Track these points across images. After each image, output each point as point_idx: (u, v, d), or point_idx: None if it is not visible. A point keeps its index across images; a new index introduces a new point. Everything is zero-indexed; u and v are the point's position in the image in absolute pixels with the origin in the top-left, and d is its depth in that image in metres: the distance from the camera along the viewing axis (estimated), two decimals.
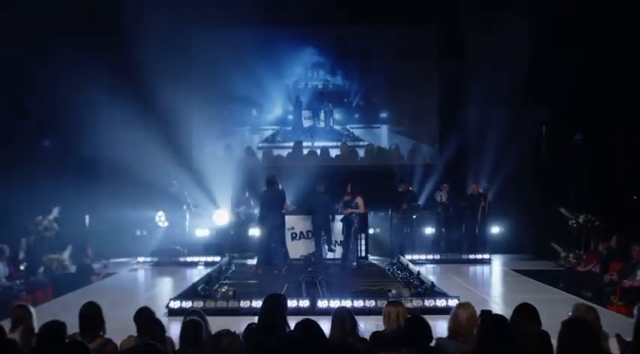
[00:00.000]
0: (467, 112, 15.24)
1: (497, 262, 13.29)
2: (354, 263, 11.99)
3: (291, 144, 16.34)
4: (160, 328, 4.74)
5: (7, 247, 10.08)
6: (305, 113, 16.46)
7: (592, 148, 13.65)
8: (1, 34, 11.57)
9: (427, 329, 4.34)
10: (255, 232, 13.20)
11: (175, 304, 8.20)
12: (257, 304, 7.52)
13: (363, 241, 13.19)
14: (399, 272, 11.17)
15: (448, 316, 4.75)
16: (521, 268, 12.27)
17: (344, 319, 4.76)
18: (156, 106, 14.41)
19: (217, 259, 12.65)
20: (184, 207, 14.07)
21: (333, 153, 16.32)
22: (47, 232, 12.26)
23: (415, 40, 16.00)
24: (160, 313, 7.57)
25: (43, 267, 11.40)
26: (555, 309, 5.60)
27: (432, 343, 4.50)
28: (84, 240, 12.97)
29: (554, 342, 4.14)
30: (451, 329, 4.56)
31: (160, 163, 15.00)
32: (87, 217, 14.26)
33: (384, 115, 16.41)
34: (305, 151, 16.32)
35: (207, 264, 12.57)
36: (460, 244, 14.00)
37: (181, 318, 5.04)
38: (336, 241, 13.02)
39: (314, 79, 16.49)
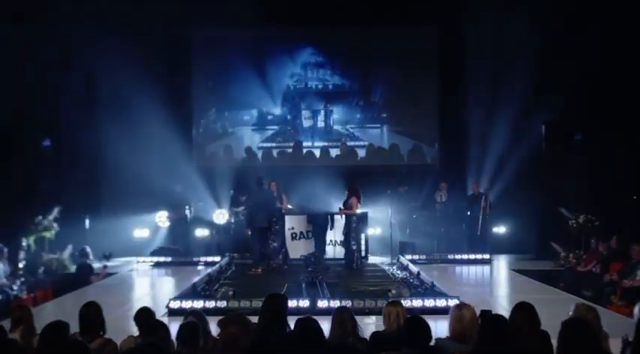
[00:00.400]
0: (467, 112, 15.23)
1: (497, 262, 13.28)
2: (355, 264, 11.95)
3: (291, 144, 16.34)
4: (164, 329, 4.73)
5: (5, 247, 10.07)
6: (305, 113, 16.45)
7: (592, 148, 13.65)
8: None
9: (427, 329, 4.35)
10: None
11: (175, 304, 8.19)
12: (257, 304, 7.52)
13: (363, 241, 13.21)
14: (399, 272, 11.17)
15: (448, 316, 4.75)
16: (521, 268, 12.25)
17: (344, 319, 4.76)
18: (156, 106, 14.40)
19: (217, 259, 12.65)
20: (187, 208, 14.09)
21: (333, 153, 16.32)
22: (47, 232, 12.27)
23: (415, 40, 15.99)
24: (160, 313, 7.57)
25: (43, 267, 11.42)
26: (555, 309, 5.61)
27: (432, 343, 4.50)
28: (84, 240, 13.00)
29: (554, 342, 4.15)
30: (457, 331, 4.54)
31: (160, 164, 15.03)
32: (87, 218, 14.28)
33: (384, 115, 16.40)
34: (305, 151, 16.31)
35: (207, 264, 12.56)
36: (460, 244, 13.99)
37: (181, 318, 5.05)
38: (336, 242, 13.04)
39: (314, 79, 16.48)
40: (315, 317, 4.51)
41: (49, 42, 13.05)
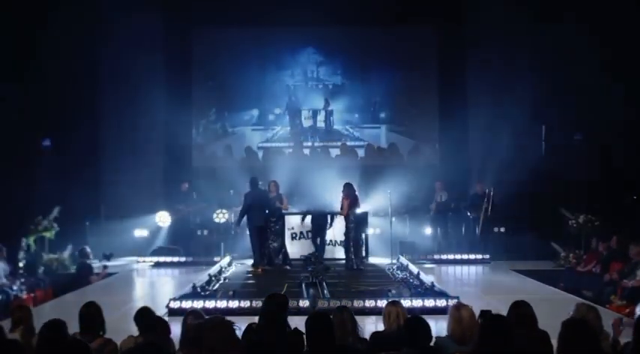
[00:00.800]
0: (467, 112, 15.23)
1: (497, 262, 13.27)
2: (354, 265, 11.94)
3: (291, 144, 16.34)
4: (164, 327, 4.72)
5: (5, 247, 10.07)
6: (305, 113, 16.45)
7: (592, 148, 13.65)
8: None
9: (427, 329, 4.35)
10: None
11: (175, 304, 8.19)
12: (257, 304, 7.52)
13: (363, 241, 13.21)
14: (399, 272, 11.16)
15: (447, 317, 4.75)
16: (521, 268, 12.24)
17: (344, 319, 4.76)
18: (156, 106, 14.41)
19: (217, 259, 12.64)
20: (191, 208, 14.12)
21: (333, 153, 16.31)
22: (47, 232, 12.27)
23: (415, 40, 16.00)
24: (160, 314, 7.56)
25: (43, 267, 11.41)
26: (555, 309, 5.61)
27: (432, 343, 4.50)
28: (84, 240, 12.99)
29: (554, 342, 4.15)
30: (456, 331, 4.54)
31: (160, 164, 15.05)
32: (87, 218, 14.28)
33: (384, 115, 16.41)
34: (305, 151, 16.31)
35: (207, 264, 12.55)
36: (460, 244, 13.98)
37: (181, 318, 5.05)
38: (336, 242, 13.04)
39: (314, 79, 16.48)
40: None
41: (49, 42, 13.06)
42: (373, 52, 16.01)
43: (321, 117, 16.42)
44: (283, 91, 16.38)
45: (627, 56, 12.78)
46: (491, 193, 13.70)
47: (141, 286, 11.67)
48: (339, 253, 12.86)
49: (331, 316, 4.49)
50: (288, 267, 12.04)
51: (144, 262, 13.22)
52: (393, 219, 13.65)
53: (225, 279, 10.76)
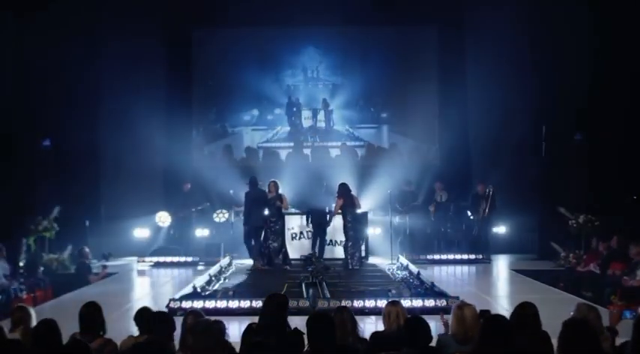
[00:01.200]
0: (467, 112, 15.23)
1: (497, 262, 13.28)
2: (353, 265, 11.93)
3: (291, 144, 16.34)
4: (169, 324, 4.71)
5: (5, 247, 10.07)
6: (305, 113, 16.45)
7: (592, 148, 13.65)
8: None
9: (427, 329, 4.35)
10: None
11: (175, 304, 8.19)
12: (257, 304, 7.53)
13: (363, 241, 13.21)
14: (399, 272, 11.17)
15: (449, 316, 4.75)
16: (521, 268, 12.25)
17: (344, 319, 4.76)
18: (156, 107, 14.41)
19: (217, 259, 12.64)
20: (194, 209, 14.12)
21: (333, 153, 16.31)
22: (47, 232, 12.26)
23: (415, 40, 16.00)
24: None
25: (43, 267, 11.40)
26: (555, 309, 5.61)
27: (433, 342, 4.50)
28: (84, 240, 12.99)
29: (554, 342, 4.15)
30: (458, 331, 4.53)
31: (160, 164, 15.04)
32: (87, 218, 14.28)
33: (384, 115, 16.40)
34: (305, 151, 16.31)
35: (207, 264, 12.56)
36: (460, 244, 13.98)
37: (181, 318, 5.05)
38: (336, 242, 13.06)
39: (314, 79, 16.48)
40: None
41: (49, 42, 13.06)
42: (373, 52, 16.00)
43: (321, 117, 16.42)
44: (283, 91, 16.39)
45: (627, 56, 12.77)
46: (491, 193, 13.69)
47: (141, 286, 11.66)
48: (339, 252, 12.87)
49: (331, 316, 4.50)
50: (287, 267, 12.04)
51: (144, 262, 13.22)
52: (395, 219, 13.67)
53: (225, 279, 10.77)
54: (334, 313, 4.87)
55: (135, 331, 4.97)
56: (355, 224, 12.25)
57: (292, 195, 13.37)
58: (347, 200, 12.10)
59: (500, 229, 14.35)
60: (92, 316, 4.82)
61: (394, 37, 15.92)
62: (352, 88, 16.25)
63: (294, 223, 13.23)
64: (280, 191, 12.42)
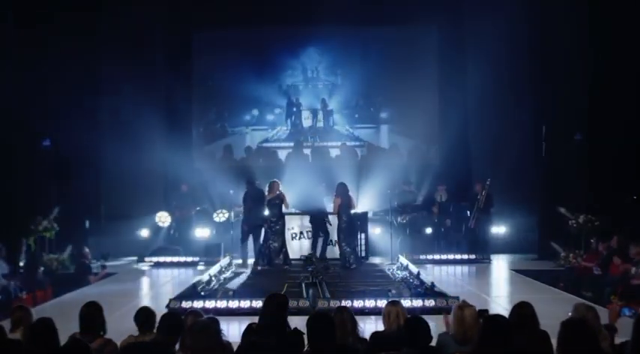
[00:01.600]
0: (467, 112, 15.23)
1: (497, 262, 13.28)
2: (351, 264, 11.93)
3: (291, 144, 16.34)
4: (176, 327, 4.70)
5: (4, 247, 10.08)
6: (305, 113, 16.46)
7: (592, 148, 13.65)
8: None
9: (427, 329, 4.35)
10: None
11: (175, 304, 8.19)
12: (257, 304, 7.53)
13: (363, 241, 13.22)
14: (398, 272, 11.16)
15: (450, 316, 4.75)
16: (521, 268, 12.26)
17: (344, 319, 4.77)
18: (156, 107, 14.41)
19: (217, 259, 12.64)
20: (193, 212, 14.13)
21: (333, 153, 16.31)
22: (47, 232, 12.26)
23: (415, 40, 16.00)
24: (160, 314, 7.56)
25: (43, 267, 11.40)
26: (555, 309, 5.62)
27: (433, 342, 4.50)
28: (82, 240, 12.99)
29: (554, 342, 4.15)
30: (458, 331, 4.54)
31: (160, 163, 15.04)
32: (87, 218, 14.28)
33: (383, 115, 16.41)
34: (305, 151, 16.31)
35: (207, 264, 12.56)
36: (460, 244, 13.98)
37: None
38: (334, 241, 13.06)
39: (314, 79, 16.49)
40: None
41: (49, 42, 13.06)
42: (373, 51, 16.01)
43: (320, 117, 16.43)
44: (283, 91, 16.39)
45: (627, 56, 12.77)
46: (487, 185, 13.65)
47: (141, 286, 11.65)
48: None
49: (332, 316, 4.50)
50: (287, 267, 12.05)
51: (144, 262, 13.22)
52: (397, 219, 13.67)
53: (225, 279, 10.76)
54: (334, 313, 4.87)
55: (135, 330, 4.97)
56: (350, 224, 12.23)
57: (292, 195, 13.35)
58: (344, 200, 12.10)
59: (500, 229, 14.35)
60: (92, 316, 4.82)
61: (394, 36, 15.92)
62: (352, 88, 16.26)
63: (294, 223, 13.23)
64: (277, 190, 12.40)
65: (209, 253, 13.33)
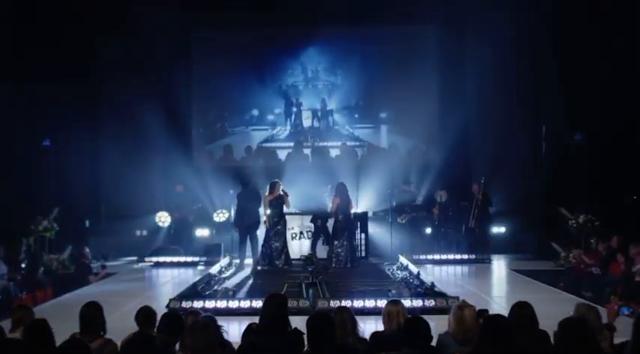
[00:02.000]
0: (467, 112, 15.23)
1: (497, 262, 13.28)
2: (339, 264, 11.90)
3: (291, 144, 16.34)
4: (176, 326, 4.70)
5: (4, 247, 10.08)
6: (305, 113, 16.46)
7: (592, 148, 13.65)
8: None
9: (427, 329, 4.35)
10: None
11: (175, 304, 8.18)
12: (257, 304, 7.53)
13: (363, 241, 13.22)
14: (399, 272, 11.16)
15: (449, 316, 4.75)
16: (521, 268, 12.25)
17: (344, 319, 4.76)
18: (156, 106, 14.40)
19: (217, 259, 12.64)
20: (192, 209, 14.14)
21: (333, 153, 16.31)
22: (47, 232, 12.26)
23: (415, 40, 16.00)
24: (161, 314, 7.57)
25: (43, 267, 11.40)
26: (555, 309, 5.61)
27: (433, 342, 4.50)
28: (82, 240, 12.99)
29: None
30: (458, 333, 4.53)
31: (160, 163, 15.04)
32: (87, 218, 14.29)
33: (383, 115, 16.40)
34: (305, 151, 16.31)
35: (207, 264, 12.57)
36: (460, 244, 13.98)
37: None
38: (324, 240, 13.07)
39: (314, 79, 16.49)
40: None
41: (49, 42, 13.07)
42: (373, 51, 16.00)
43: (321, 117, 16.42)
44: (283, 91, 16.39)
45: (627, 56, 12.78)
46: (482, 182, 13.66)
47: (141, 286, 11.65)
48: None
49: (331, 316, 4.50)
50: (287, 267, 12.05)
51: (144, 262, 13.22)
52: (397, 219, 13.66)
53: (225, 279, 10.76)
54: (334, 313, 4.87)
55: (135, 330, 4.96)
56: (346, 224, 12.21)
57: (293, 195, 13.35)
58: (342, 200, 12.09)
59: (500, 229, 14.35)
60: (93, 316, 4.82)
61: (394, 36, 15.91)
62: (352, 88, 16.26)
63: (294, 223, 13.21)
64: (278, 191, 12.40)
65: (209, 253, 13.32)
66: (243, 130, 16.43)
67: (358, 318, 5.01)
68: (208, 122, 16.42)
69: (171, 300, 8.33)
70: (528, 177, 14.47)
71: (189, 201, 14.47)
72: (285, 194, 12.18)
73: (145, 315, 5.04)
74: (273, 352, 4.29)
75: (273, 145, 16.40)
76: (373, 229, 13.86)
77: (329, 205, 12.76)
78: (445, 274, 12.18)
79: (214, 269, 11.01)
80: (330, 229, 12.79)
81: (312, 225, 12.89)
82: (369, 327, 6.09)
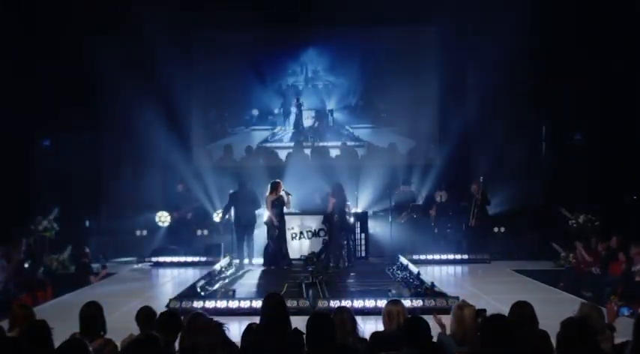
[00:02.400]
0: (467, 112, 15.23)
1: (496, 262, 13.27)
2: (335, 264, 11.90)
3: (292, 144, 16.34)
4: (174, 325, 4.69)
5: (2, 246, 10.08)
6: (305, 113, 16.45)
7: (592, 148, 13.65)
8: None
9: (427, 329, 4.35)
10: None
11: (175, 304, 8.19)
12: (257, 304, 7.53)
13: (363, 241, 13.22)
14: (399, 272, 11.16)
15: (448, 316, 4.75)
16: (521, 268, 12.25)
17: (344, 319, 4.76)
18: (156, 106, 14.40)
19: (217, 259, 12.64)
20: (189, 216, 14.14)
21: (333, 153, 16.31)
22: (47, 232, 12.27)
23: (415, 40, 15.98)
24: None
25: (43, 267, 11.40)
26: (555, 309, 5.61)
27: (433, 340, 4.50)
28: (83, 240, 12.99)
29: (554, 342, 4.15)
30: (458, 332, 4.54)
31: (160, 164, 15.04)
32: (86, 218, 14.28)
33: (383, 115, 16.39)
34: (305, 151, 16.31)
35: (207, 264, 12.57)
36: (460, 244, 13.98)
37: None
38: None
39: (314, 79, 16.48)
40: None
41: (48, 41, 13.07)
42: (373, 51, 15.97)
43: (320, 117, 16.41)
44: (283, 91, 16.38)
45: (627, 56, 12.78)
46: (481, 181, 13.66)
47: (141, 286, 11.64)
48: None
49: (331, 316, 4.50)
50: (287, 267, 12.05)
51: (144, 262, 13.22)
52: (397, 219, 13.65)
53: (225, 279, 10.77)
54: (334, 313, 4.87)
55: (135, 330, 4.97)
56: (342, 225, 12.19)
57: (293, 195, 13.35)
58: (339, 201, 12.09)
59: (501, 229, 14.35)
60: (93, 315, 4.82)
61: (394, 36, 15.90)
62: (352, 88, 16.25)
63: (294, 223, 13.21)
64: (280, 191, 12.40)
65: (209, 253, 13.33)
66: (243, 130, 16.42)
67: (358, 318, 5.01)
68: (208, 122, 16.41)
69: (171, 300, 8.34)
70: (528, 177, 14.47)
71: (189, 201, 14.46)
72: (288, 194, 12.17)
73: (145, 315, 5.04)
74: (273, 352, 4.29)
75: (274, 145, 16.39)
76: (373, 229, 13.86)
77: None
78: (445, 274, 12.19)
79: (214, 269, 11.01)
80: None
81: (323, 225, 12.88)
82: (369, 327, 6.09)
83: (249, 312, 7.68)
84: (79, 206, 13.78)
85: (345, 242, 12.20)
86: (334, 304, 7.85)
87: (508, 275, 12.04)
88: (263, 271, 11.83)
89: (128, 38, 14.14)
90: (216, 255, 12.99)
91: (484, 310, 4.75)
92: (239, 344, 4.59)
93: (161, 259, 13.20)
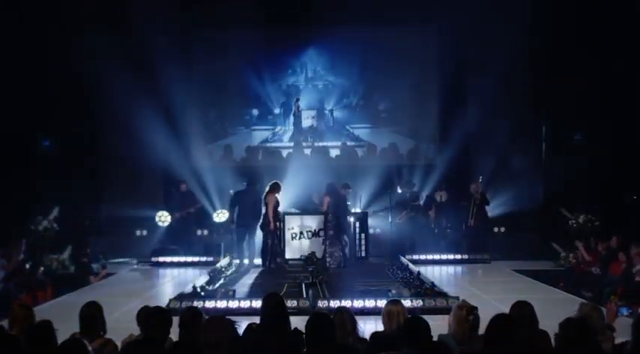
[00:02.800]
0: (467, 112, 15.22)
1: (496, 262, 13.27)
2: (331, 264, 11.88)
3: (292, 144, 16.33)
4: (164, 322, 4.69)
5: (4, 247, 10.08)
6: (305, 113, 16.44)
7: (592, 148, 13.65)
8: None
9: (427, 329, 4.34)
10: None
11: (175, 304, 8.19)
12: (257, 304, 7.52)
13: (363, 241, 13.21)
14: (399, 272, 11.16)
15: (448, 316, 4.75)
16: (521, 268, 12.25)
17: (344, 319, 4.76)
18: (156, 106, 14.40)
19: (217, 259, 12.64)
20: (192, 209, 14.14)
21: (333, 153, 16.31)
22: (47, 232, 12.27)
23: (415, 40, 15.97)
24: None
25: (43, 267, 11.40)
26: (555, 309, 5.61)
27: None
28: (83, 240, 12.99)
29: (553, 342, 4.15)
30: (458, 332, 4.54)
31: (160, 163, 15.03)
32: (86, 218, 14.27)
33: (383, 115, 16.39)
34: (305, 151, 16.30)
35: (207, 264, 12.57)
36: (460, 244, 13.98)
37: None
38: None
39: (314, 79, 16.47)
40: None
41: (48, 41, 13.07)
42: (373, 51, 15.96)
43: (320, 117, 16.41)
44: (283, 91, 16.38)
45: (627, 56, 12.78)
46: (480, 181, 13.67)
47: (141, 286, 11.64)
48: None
49: (331, 316, 4.50)
50: (286, 266, 12.05)
51: (143, 262, 13.21)
52: (397, 219, 13.65)
53: (225, 279, 10.76)
54: (334, 313, 4.87)
55: (135, 330, 4.97)
56: (338, 224, 12.20)
57: (293, 195, 13.36)
58: (333, 199, 12.09)
59: (501, 229, 14.34)
60: (93, 315, 4.82)
61: (394, 36, 15.88)
62: (352, 88, 16.25)
63: (294, 223, 13.21)
64: (281, 192, 12.39)
65: (209, 253, 13.33)
66: (243, 130, 16.42)
67: (358, 318, 5.01)
68: (208, 122, 16.40)
69: (171, 300, 8.35)
70: (528, 177, 14.47)
71: (193, 201, 14.44)
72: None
73: (145, 315, 5.04)
74: (273, 352, 4.29)
75: (273, 145, 16.38)
76: (373, 228, 13.86)
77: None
78: (445, 274, 12.19)
79: (214, 269, 11.02)
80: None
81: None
82: (369, 327, 6.09)
83: (249, 312, 7.67)
84: (79, 206, 13.77)
85: (338, 242, 12.15)
86: (334, 304, 7.85)
87: (508, 275, 12.04)
88: (263, 271, 11.82)
89: (128, 38, 14.13)
90: (216, 255, 12.99)
91: (475, 308, 4.74)
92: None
93: (161, 259, 13.19)
